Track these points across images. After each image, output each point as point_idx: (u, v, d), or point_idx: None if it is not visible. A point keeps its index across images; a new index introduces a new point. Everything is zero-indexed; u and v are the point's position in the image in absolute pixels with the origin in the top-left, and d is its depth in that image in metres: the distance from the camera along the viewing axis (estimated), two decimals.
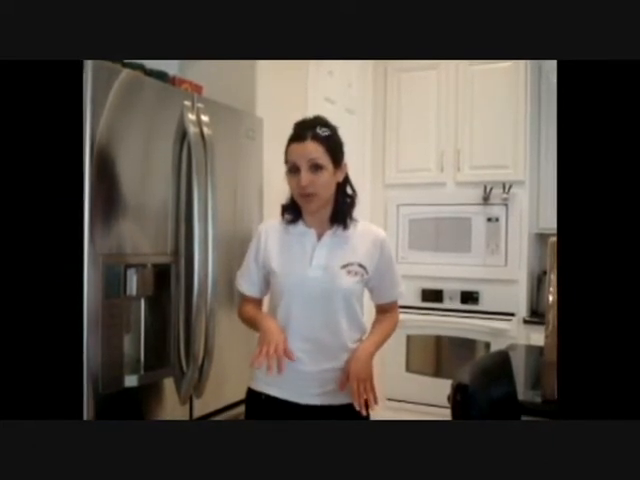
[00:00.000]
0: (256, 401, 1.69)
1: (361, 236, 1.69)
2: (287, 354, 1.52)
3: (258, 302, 1.78)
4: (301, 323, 1.61)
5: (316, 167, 1.58)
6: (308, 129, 1.61)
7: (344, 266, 1.63)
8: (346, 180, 1.70)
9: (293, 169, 1.60)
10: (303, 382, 1.62)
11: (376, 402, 1.59)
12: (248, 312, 1.74)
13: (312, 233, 1.67)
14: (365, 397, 1.57)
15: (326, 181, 1.60)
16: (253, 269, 1.73)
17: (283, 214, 1.72)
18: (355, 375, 1.57)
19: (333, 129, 1.66)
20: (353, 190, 1.72)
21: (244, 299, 1.78)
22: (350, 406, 1.59)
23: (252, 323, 1.72)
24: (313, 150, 1.58)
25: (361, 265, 1.65)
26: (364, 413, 1.56)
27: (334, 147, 1.63)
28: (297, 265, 1.64)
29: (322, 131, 1.61)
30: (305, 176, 1.57)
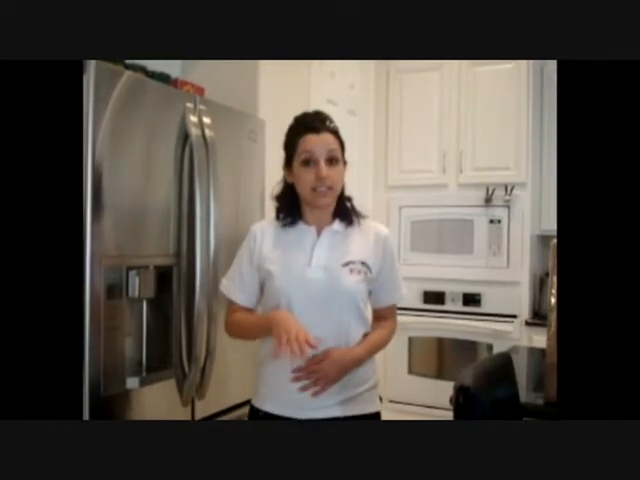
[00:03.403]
0: (255, 419, 1.59)
1: (363, 233, 1.59)
2: (311, 342, 1.36)
3: (250, 312, 1.60)
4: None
5: (332, 160, 1.51)
6: (320, 121, 1.53)
7: (346, 264, 1.52)
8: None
9: (309, 161, 1.50)
10: (304, 394, 1.49)
11: (317, 393, 1.49)
12: (244, 318, 1.58)
13: (312, 231, 1.56)
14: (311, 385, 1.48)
15: (341, 175, 1.54)
16: (247, 273, 1.57)
17: (278, 216, 1.59)
18: (324, 372, 1.46)
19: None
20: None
21: (232, 309, 1.60)
22: (356, 418, 1.52)
23: (253, 327, 1.56)
24: (331, 142, 1.51)
25: (364, 263, 1.54)
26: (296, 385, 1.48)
27: (342, 141, 1.57)
28: (296, 266, 1.52)
29: (333, 124, 1.55)
30: (324, 167, 1.49)
